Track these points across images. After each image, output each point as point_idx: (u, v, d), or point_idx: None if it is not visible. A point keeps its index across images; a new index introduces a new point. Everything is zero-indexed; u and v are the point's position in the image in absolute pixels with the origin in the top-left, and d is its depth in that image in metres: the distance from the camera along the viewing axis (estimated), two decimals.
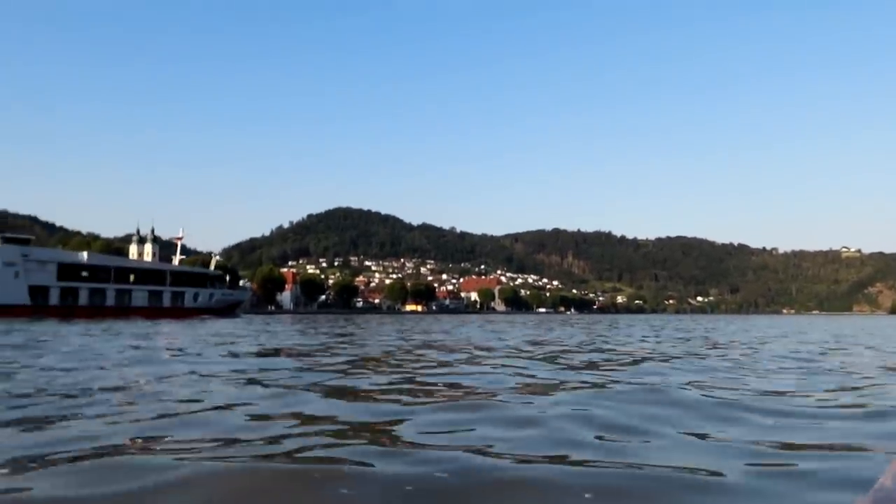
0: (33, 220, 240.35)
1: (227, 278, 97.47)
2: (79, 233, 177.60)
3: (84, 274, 66.93)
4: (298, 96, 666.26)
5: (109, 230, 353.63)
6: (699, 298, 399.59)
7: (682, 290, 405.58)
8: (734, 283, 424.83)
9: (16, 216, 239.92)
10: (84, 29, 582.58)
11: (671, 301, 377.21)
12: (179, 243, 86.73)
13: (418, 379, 9.98)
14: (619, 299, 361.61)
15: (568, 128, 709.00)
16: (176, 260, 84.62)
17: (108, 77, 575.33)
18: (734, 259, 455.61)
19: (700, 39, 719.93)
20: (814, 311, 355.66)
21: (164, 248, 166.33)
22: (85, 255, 71.23)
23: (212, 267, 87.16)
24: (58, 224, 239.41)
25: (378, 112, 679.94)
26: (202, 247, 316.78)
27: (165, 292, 73.69)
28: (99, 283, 67.61)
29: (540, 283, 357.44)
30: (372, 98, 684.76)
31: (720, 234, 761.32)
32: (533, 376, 10.54)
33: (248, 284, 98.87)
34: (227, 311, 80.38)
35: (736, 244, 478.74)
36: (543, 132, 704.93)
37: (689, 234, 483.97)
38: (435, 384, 9.33)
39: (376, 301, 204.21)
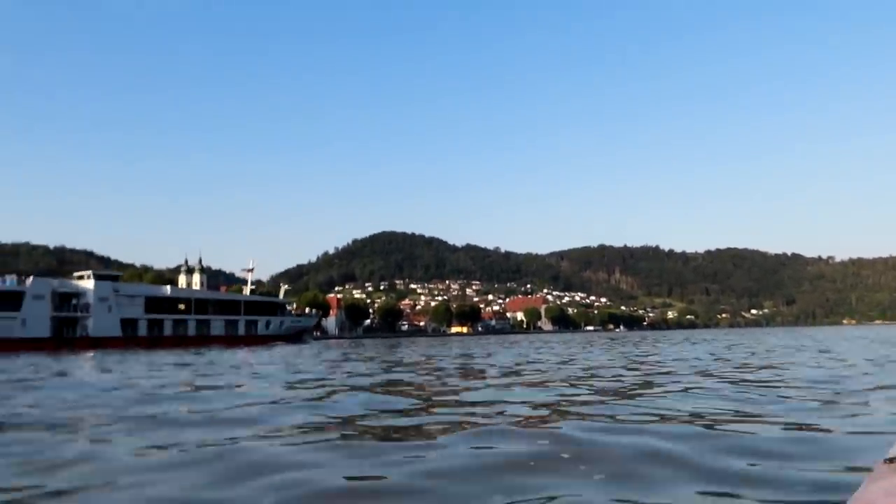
0: (89, 255, 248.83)
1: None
2: (132, 265, 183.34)
3: (167, 306, 72.22)
4: (335, 122, 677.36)
5: (159, 261, 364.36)
6: (753, 311, 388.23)
7: (734, 304, 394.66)
8: (789, 295, 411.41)
9: (73, 251, 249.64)
10: (121, 53, 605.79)
11: (724, 315, 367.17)
12: (250, 275, 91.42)
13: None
14: (670, 315, 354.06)
15: (609, 141, 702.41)
16: (247, 290, 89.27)
17: (146, 105, 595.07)
18: (788, 269, 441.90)
19: (742, 41, 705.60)
20: (876, 322, 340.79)
21: (212, 276, 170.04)
22: (168, 288, 77.89)
23: (281, 295, 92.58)
24: (112, 257, 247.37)
25: (419, 134, 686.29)
26: (252, 276, 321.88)
27: (240, 321, 78.19)
28: (181, 314, 72.59)
29: (587, 300, 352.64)
30: (412, 119, 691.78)
31: (773, 244, 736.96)
32: None
33: (313, 311, 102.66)
34: (295, 337, 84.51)
35: (790, 254, 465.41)
36: (584, 147, 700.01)
37: (740, 246, 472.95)
38: None
39: (421, 324, 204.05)
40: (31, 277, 65.35)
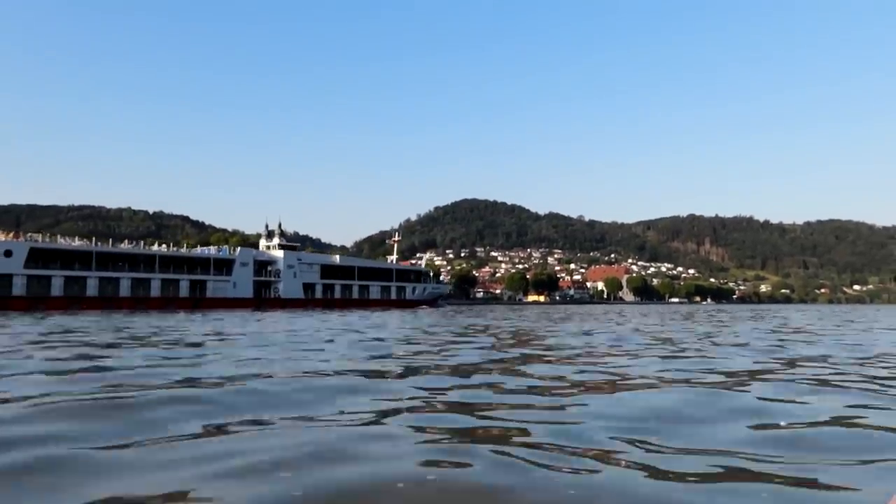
0: (184, 219, 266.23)
1: None
2: (224, 230, 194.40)
3: (337, 273, 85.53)
4: (419, 92, 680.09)
5: (248, 226, 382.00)
6: (856, 287, 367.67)
7: (835, 279, 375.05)
8: None
9: (171, 216, 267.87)
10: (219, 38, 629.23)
11: (823, 290, 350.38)
12: (395, 244, 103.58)
13: None
14: (763, 288, 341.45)
15: (701, 106, 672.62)
16: (393, 258, 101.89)
17: (239, 83, 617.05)
18: None
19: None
20: None
21: (296, 241, 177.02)
22: (338, 258, 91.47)
23: (422, 264, 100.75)
24: (206, 222, 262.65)
25: (503, 104, 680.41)
26: (336, 241, 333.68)
27: (392, 287, 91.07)
28: (347, 279, 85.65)
29: (674, 271, 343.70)
30: (496, 90, 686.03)
31: (880, 215, 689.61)
32: None
33: (446, 279, 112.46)
34: (433, 301, 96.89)
35: None
36: (674, 112, 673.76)
37: (844, 217, 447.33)
38: None
39: (497, 291, 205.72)
40: (239, 248, 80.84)
